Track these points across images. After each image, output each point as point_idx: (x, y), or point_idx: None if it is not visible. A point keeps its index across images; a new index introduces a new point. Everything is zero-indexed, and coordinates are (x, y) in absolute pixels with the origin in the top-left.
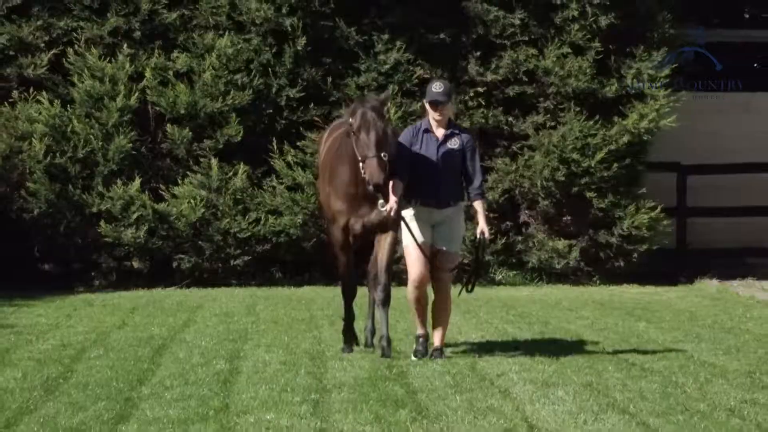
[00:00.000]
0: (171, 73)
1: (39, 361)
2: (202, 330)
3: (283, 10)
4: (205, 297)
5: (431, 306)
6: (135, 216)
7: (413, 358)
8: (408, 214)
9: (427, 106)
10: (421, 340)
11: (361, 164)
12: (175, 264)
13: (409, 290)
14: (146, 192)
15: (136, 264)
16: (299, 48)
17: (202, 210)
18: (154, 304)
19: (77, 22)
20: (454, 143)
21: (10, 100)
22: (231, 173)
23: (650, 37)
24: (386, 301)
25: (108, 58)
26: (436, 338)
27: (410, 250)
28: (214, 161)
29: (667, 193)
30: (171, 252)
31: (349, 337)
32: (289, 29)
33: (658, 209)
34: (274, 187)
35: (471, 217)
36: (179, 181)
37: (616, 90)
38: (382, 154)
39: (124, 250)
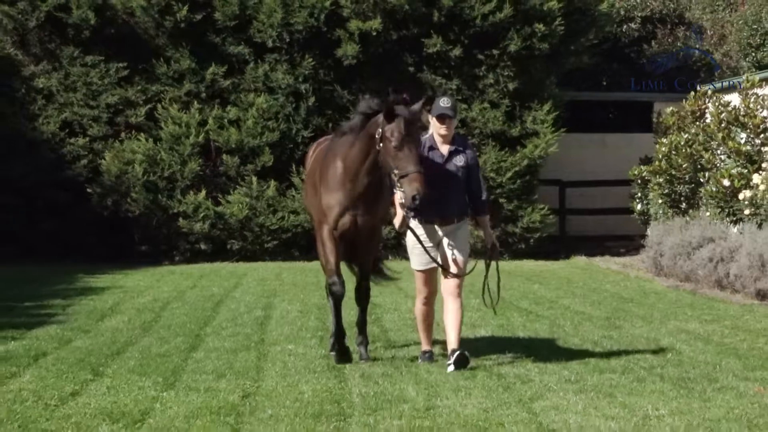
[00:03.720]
0: (226, 120)
1: (138, 310)
2: (246, 290)
3: (300, 79)
4: (248, 268)
5: (444, 312)
6: (202, 215)
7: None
8: (414, 224)
9: (434, 120)
10: (426, 355)
11: (398, 179)
12: (228, 246)
13: (417, 305)
14: (209, 199)
15: (202, 246)
16: (310, 104)
17: (246, 211)
18: (214, 273)
19: (164, 87)
20: (459, 160)
21: (120, 138)
22: (265, 186)
23: (542, 95)
24: (365, 303)
25: (184, 111)
26: (454, 341)
27: (418, 269)
28: (254, 179)
29: (553, 199)
30: (226, 238)
31: (342, 349)
32: (303, 91)
33: (546, 210)
34: (293, 196)
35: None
36: (231, 192)
37: (519, 130)
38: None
39: (194, 237)
